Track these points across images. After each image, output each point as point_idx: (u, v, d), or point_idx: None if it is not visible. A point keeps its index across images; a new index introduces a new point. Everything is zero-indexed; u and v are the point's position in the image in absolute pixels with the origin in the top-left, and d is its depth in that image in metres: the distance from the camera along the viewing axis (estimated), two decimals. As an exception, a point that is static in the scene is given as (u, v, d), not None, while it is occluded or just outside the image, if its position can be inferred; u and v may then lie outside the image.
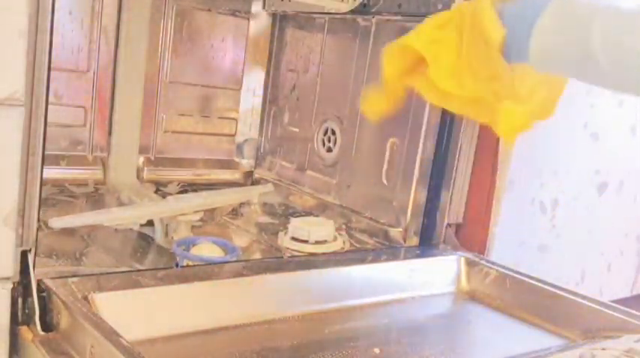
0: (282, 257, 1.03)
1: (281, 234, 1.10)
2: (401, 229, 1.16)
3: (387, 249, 1.14)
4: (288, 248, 1.06)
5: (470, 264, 1.04)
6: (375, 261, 1.03)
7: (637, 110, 1.32)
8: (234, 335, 0.78)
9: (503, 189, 1.11)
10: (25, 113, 0.67)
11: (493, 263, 1.04)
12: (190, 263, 0.90)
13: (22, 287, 0.70)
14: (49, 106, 0.69)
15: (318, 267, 0.94)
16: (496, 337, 0.92)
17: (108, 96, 1.28)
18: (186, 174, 1.43)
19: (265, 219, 1.27)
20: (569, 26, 0.59)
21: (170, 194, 1.27)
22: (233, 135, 1.50)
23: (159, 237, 1.03)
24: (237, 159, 1.52)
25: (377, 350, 0.79)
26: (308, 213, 1.32)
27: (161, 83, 1.36)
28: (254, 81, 1.49)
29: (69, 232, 1.01)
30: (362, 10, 1.22)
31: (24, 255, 0.70)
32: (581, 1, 0.59)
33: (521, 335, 0.92)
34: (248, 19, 1.45)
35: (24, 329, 0.69)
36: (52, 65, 0.68)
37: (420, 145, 1.13)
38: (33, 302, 0.69)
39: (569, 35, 0.59)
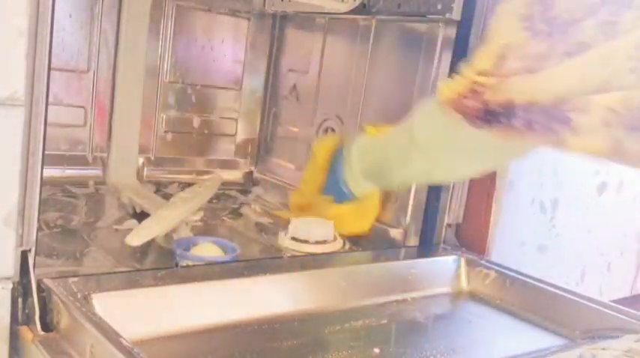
0: (282, 257, 1.03)
1: (281, 234, 1.10)
2: (401, 229, 1.16)
3: (387, 249, 1.14)
4: (288, 248, 1.06)
5: (470, 264, 1.04)
6: (375, 261, 1.03)
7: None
8: (234, 335, 0.78)
9: (503, 189, 1.11)
10: (25, 113, 0.67)
11: (493, 263, 1.04)
12: (190, 263, 0.90)
13: (22, 287, 0.70)
14: (49, 106, 0.69)
15: (318, 267, 0.94)
16: (496, 337, 0.92)
17: (108, 96, 1.28)
18: (186, 174, 1.43)
19: (265, 219, 1.26)
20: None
21: (170, 194, 1.27)
22: (233, 135, 1.50)
23: (159, 237, 1.03)
24: (237, 159, 1.52)
25: (377, 350, 0.79)
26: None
27: (161, 83, 1.36)
28: (254, 81, 1.49)
29: (69, 232, 1.01)
30: (362, 10, 1.22)
31: (24, 255, 0.70)
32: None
33: (521, 335, 0.92)
34: (248, 19, 1.45)
35: (24, 329, 0.69)
36: (52, 65, 0.68)
37: (420, 145, 1.13)
38: (33, 302, 0.69)
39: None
